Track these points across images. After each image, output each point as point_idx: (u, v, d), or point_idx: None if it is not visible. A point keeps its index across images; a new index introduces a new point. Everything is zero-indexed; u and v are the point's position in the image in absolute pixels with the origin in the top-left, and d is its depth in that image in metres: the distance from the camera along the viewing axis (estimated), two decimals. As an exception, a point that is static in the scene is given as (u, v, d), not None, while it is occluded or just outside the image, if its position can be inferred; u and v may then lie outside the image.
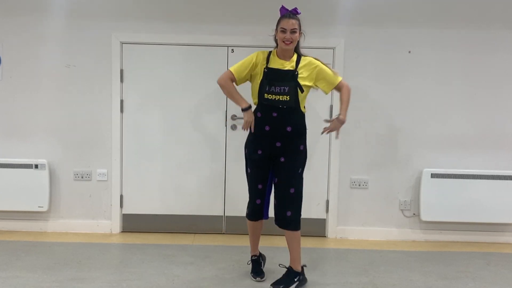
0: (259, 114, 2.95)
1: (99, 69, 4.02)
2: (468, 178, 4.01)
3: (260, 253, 3.30)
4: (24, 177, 3.99)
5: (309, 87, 2.97)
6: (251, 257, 3.25)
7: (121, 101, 4.06)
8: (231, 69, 2.99)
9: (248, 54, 3.88)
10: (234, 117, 4.04)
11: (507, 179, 4.00)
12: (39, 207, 4.03)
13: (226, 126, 4.08)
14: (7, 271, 3.19)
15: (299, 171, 2.98)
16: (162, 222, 4.16)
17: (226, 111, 4.07)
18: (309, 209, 4.12)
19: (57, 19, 3.98)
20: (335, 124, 3.04)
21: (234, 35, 3.99)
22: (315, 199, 4.15)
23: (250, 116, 2.96)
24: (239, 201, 4.07)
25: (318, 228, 4.17)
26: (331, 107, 4.07)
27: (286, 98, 2.88)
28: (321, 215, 4.18)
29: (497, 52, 4.03)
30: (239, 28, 3.99)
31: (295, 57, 2.95)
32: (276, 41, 2.97)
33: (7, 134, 4.06)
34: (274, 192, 3.01)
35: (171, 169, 4.13)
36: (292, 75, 2.89)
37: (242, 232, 4.10)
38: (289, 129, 2.91)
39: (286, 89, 2.87)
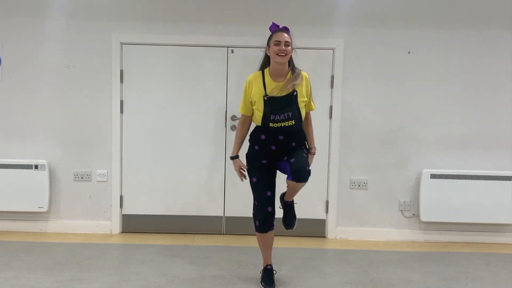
0: (263, 137, 2.93)
1: (99, 70, 4.03)
2: (468, 179, 4.02)
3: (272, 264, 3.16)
4: (24, 177, 3.99)
5: (305, 101, 2.96)
6: (266, 266, 3.11)
7: (121, 102, 4.06)
8: (239, 111, 3.05)
9: (248, 55, 3.93)
10: (234, 118, 4.04)
11: (506, 180, 4.01)
12: (39, 207, 4.03)
13: (226, 126, 4.09)
14: (7, 272, 3.19)
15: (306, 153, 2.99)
16: (162, 222, 4.17)
17: (226, 111, 4.08)
18: (309, 210, 4.13)
19: (57, 20, 3.98)
20: (310, 159, 3.03)
21: (234, 36, 4.00)
22: (314, 199, 4.15)
23: (237, 167, 3.05)
24: (239, 201, 4.07)
25: (318, 229, 4.17)
26: (331, 107, 4.08)
27: (292, 123, 2.88)
28: (320, 215, 4.18)
29: (497, 53, 4.03)
30: (239, 29, 3.99)
31: (289, 75, 2.90)
32: (265, 60, 2.94)
33: (7, 134, 4.06)
34: (291, 164, 2.85)
35: (171, 169, 4.13)
36: (292, 99, 2.87)
37: (242, 233, 4.10)
38: (294, 144, 2.94)
39: (290, 114, 2.86)
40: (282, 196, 3.11)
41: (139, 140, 4.10)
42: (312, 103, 3.05)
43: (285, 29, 2.90)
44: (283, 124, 2.86)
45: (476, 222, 4.08)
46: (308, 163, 2.93)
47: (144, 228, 4.17)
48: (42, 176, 4.00)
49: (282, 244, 3.84)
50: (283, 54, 2.82)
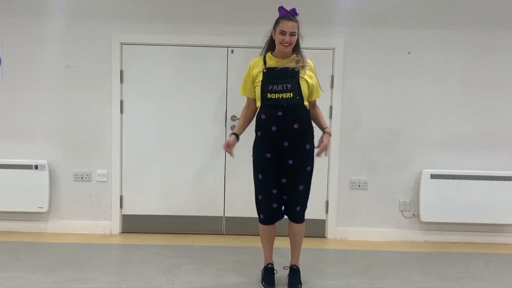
0: (263, 116, 2.89)
1: (99, 70, 4.03)
2: (468, 179, 4.02)
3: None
4: (24, 177, 3.99)
5: (308, 83, 2.91)
6: (267, 265, 3.08)
7: (121, 102, 4.06)
8: (240, 92, 3.06)
9: (248, 55, 3.93)
10: (234, 118, 4.04)
11: (506, 180, 4.01)
12: (39, 207, 4.03)
13: (226, 126, 4.09)
14: (7, 272, 3.19)
15: (308, 169, 2.96)
16: (162, 222, 4.17)
17: (226, 111, 4.08)
18: (309, 210, 4.08)
19: (57, 20, 3.98)
20: (327, 138, 2.99)
21: (234, 36, 4.00)
22: (314, 199, 4.13)
23: (227, 141, 2.96)
24: (239, 202, 4.07)
25: (318, 229, 4.17)
26: (331, 108, 4.08)
27: (290, 95, 2.82)
28: (320, 215, 4.18)
29: (497, 53, 4.04)
30: (239, 29, 3.99)
31: (294, 56, 2.91)
32: (270, 41, 2.94)
33: (7, 134, 4.06)
34: (284, 189, 2.95)
35: (171, 169, 4.13)
36: (292, 71, 2.85)
37: (242, 233, 4.10)
38: (296, 126, 2.85)
39: (289, 86, 2.82)
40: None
41: (139, 140, 4.10)
42: (319, 89, 3.01)
43: (293, 16, 2.85)
44: (281, 95, 2.83)
45: (476, 222, 4.08)
46: (302, 200, 2.97)
47: (144, 228, 4.17)
48: (42, 176, 4.00)
49: (282, 244, 3.83)
50: (287, 44, 2.83)
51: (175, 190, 4.15)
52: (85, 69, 4.02)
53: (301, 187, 2.93)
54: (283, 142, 2.87)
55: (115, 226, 4.16)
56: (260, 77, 2.89)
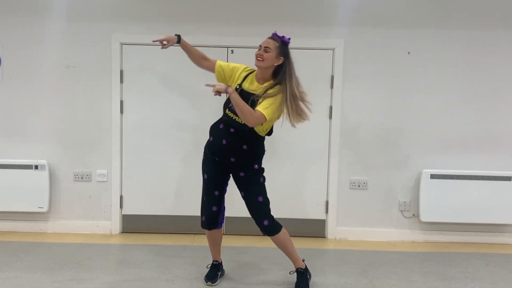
0: (221, 126, 2.94)
1: (99, 70, 4.03)
2: (468, 179, 4.01)
3: (221, 262, 3.24)
4: (24, 177, 3.99)
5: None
6: (213, 261, 3.20)
7: (121, 102, 4.06)
8: (218, 62, 3.10)
9: (248, 55, 3.89)
10: (233, 118, 4.04)
11: (506, 180, 4.01)
12: (39, 207, 4.03)
13: (225, 127, 4.08)
14: (6, 272, 3.20)
15: (261, 180, 3.00)
16: (162, 222, 4.17)
17: (226, 112, 4.07)
18: (309, 210, 4.13)
19: (57, 20, 3.98)
20: (222, 86, 2.80)
21: (234, 36, 4.00)
22: (314, 200, 4.15)
23: (224, 86, 2.79)
24: (238, 202, 4.06)
25: (318, 229, 4.17)
26: (331, 108, 4.08)
27: (241, 121, 2.82)
28: (320, 216, 4.18)
29: (497, 53, 4.03)
30: (239, 29, 3.99)
31: (269, 83, 2.86)
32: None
33: (7, 134, 4.06)
34: (245, 203, 3.01)
35: (171, 169, 4.13)
36: (252, 100, 2.79)
37: (241, 233, 4.10)
38: (245, 147, 2.89)
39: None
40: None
41: (139, 140, 4.10)
42: (263, 109, 2.76)
43: (273, 36, 2.88)
44: (235, 117, 2.85)
45: (476, 222, 4.08)
46: (265, 212, 2.95)
47: (144, 228, 4.17)
48: (42, 176, 4.00)
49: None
50: (260, 59, 2.84)
51: (175, 190, 4.15)
52: (85, 69, 4.03)
53: (260, 198, 2.95)
54: (230, 157, 2.92)
55: (115, 226, 4.16)
56: (232, 86, 2.88)
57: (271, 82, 2.87)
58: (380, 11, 4.01)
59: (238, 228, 4.12)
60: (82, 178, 4.11)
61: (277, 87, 2.83)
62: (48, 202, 4.04)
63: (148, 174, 4.13)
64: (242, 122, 2.81)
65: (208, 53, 4.01)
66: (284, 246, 3.01)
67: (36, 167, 4.00)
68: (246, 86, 2.92)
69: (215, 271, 3.14)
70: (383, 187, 4.14)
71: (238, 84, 2.93)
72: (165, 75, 4.06)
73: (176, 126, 4.10)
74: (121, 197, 4.15)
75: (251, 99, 2.80)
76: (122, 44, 4.01)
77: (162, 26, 3.99)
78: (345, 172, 4.14)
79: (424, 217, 4.06)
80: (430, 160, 4.09)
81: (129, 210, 4.17)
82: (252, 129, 2.85)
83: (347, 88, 4.06)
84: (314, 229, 4.16)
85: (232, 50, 4.02)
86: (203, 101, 4.07)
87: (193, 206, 4.14)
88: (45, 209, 4.04)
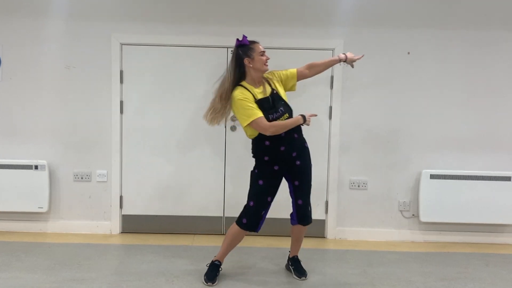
0: (267, 143, 2.97)
1: (99, 70, 4.03)
2: (467, 179, 4.02)
3: (222, 262, 3.25)
4: (24, 178, 3.99)
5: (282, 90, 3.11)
6: (215, 261, 3.19)
7: (121, 102, 4.07)
8: (254, 117, 2.89)
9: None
10: (233, 118, 4.04)
11: (505, 180, 4.01)
12: (39, 208, 4.04)
13: (225, 127, 4.08)
14: (7, 272, 3.20)
15: (311, 165, 3.17)
16: (162, 223, 4.17)
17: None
18: (309, 210, 4.13)
19: (57, 21, 3.98)
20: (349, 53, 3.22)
21: (234, 36, 3.98)
22: (314, 200, 4.12)
23: (308, 117, 3.00)
24: (238, 202, 4.06)
25: (317, 229, 4.17)
26: (330, 108, 4.08)
27: (287, 116, 2.98)
28: (320, 216, 4.18)
29: (496, 54, 4.04)
30: (239, 29, 3.98)
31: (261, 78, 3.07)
32: (238, 74, 2.98)
33: (7, 135, 4.06)
34: (297, 194, 3.09)
35: (171, 169, 4.13)
36: (275, 96, 2.99)
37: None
38: (296, 135, 3.03)
39: (282, 109, 2.98)
40: (289, 257, 3.34)
41: (139, 140, 4.10)
42: (291, 71, 3.14)
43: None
44: (280, 120, 2.96)
45: (475, 222, 4.08)
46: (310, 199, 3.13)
47: (144, 229, 4.18)
48: (42, 177, 4.01)
49: (281, 244, 3.84)
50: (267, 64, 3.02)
51: (175, 190, 4.15)
52: (85, 69, 4.03)
53: (310, 186, 3.15)
54: (292, 153, 3.02)
55: (115, 226, 4.16)
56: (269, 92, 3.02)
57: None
58: (380, 11, 4.01)
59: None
60: (82, 178, 4.11)
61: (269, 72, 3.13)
62: (48, 202, 4.04)
63: (148, 174, 4.13)
64: (288, 117, 2.98)
65: (208, 53, 4.05)
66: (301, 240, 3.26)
67: (36, 167, 4.01)
68: (258, 96, 3.01)
69: (215, 272, 3.15)
70: (382, 187, 4.15)
71: (255, 101, 2.96)
72: (165, 75, 4.06)
73: (176, 126, 4.10)
74: (121, 197, 4.15)
75: (274, 97, 3.01)
76: (122, 44, 4.02)
77: (162, 26, 4.00)
78: (345, 172, 4.14)
79: (423, 217, 4.07)
80: (430, 160, 4.10)
81: (129, 210, 4.17)
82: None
83: (346, 88, 4.06)
84: (314, 229, 4.13)
85: (232, 50, 4.02)
86: (202, 101, 4.07)
87: (192, 207, 4.17)
88: (45, 209, 4.04)
